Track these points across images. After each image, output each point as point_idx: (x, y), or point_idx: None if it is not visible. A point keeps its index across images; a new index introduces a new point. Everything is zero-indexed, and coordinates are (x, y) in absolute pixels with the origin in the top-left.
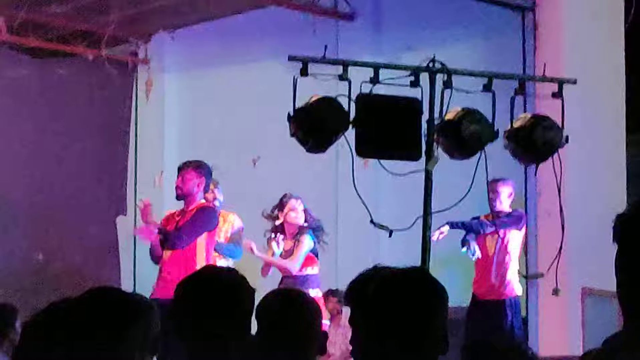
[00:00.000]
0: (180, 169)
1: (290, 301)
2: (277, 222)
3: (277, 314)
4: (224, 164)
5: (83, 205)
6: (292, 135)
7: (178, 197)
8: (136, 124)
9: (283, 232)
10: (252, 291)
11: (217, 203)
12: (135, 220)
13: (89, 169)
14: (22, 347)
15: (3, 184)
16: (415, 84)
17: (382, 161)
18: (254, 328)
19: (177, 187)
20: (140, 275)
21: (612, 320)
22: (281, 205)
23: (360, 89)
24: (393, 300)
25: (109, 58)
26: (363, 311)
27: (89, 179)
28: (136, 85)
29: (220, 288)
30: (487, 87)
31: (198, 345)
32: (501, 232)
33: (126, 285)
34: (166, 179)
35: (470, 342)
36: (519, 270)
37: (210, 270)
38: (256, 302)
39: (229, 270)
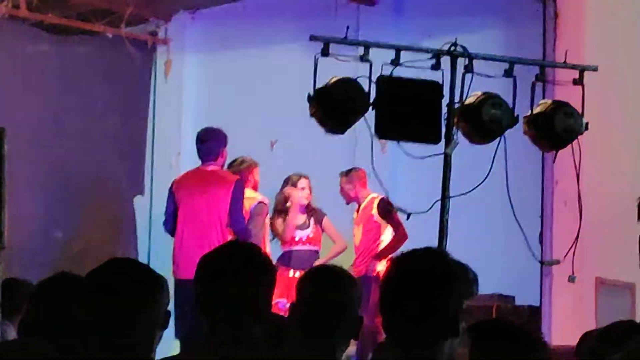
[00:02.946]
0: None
1: (337, 278)
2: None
3: (320, 290)
4: (242, 146)
5: (102, 185)
6: (312, 115)
7: None
8: (154, 104)
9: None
10: (274, 268)
11: None
12: (151, 201)
13: (108, 147)
14: (32, 312)
15: (22, 161)
16: (436, 67)
17: (401, 144)
18: None
19: None
20: (155, 255)
21: (625, 310)
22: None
23: (381, 71)
24: (405, 278)
25: (128, 37)
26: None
27: (107, 158)
28: (155, 65)
29: (241, 263)
30: (508, 73)
31: (219, 320)
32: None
33: None
34: (183, 160)
35: (476, 322)
36: (534, 256)
37: (232, 245)
38: None
39: (251, 246)
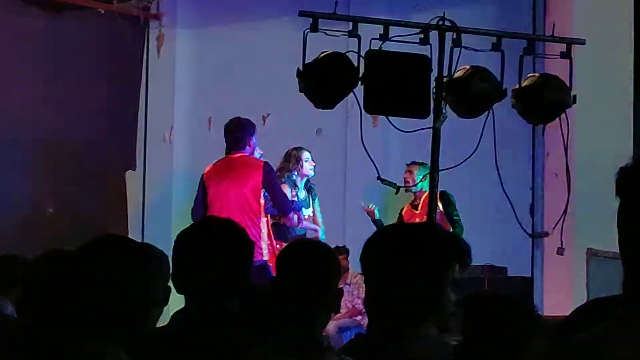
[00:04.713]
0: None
1: (314, 252)
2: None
3: (298, 264)
4: None
5: (93, 160)
6: (301, 90)
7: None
8: (147, 79)
9: None
10: (252, 243)
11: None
12: (144, 176)
13: (99, 123)
14: (28, 291)
15: (13, 137)
16: (424, 41)
17: (390, 118)
18: None
19: None
20: (149, 230)
21: (617, 281)
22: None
23: (370, 46)
24: (398, 253)
25: (120, 12)
26: (372, 264)
27: (99, 133)
28: (147, 41)
29: (216, 239)
30: (496, 46)
31: (195, 294)
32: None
33: None
34: (176, 135)
35: (470, 294)
36: (524, 229)
37: (210, 221)
38: None
39: (228, 221)
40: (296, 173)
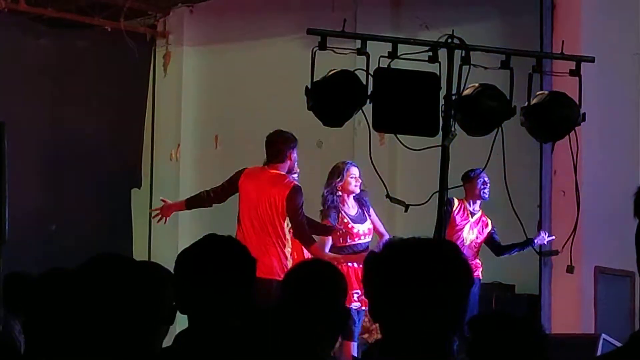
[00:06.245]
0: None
1: (318, 274)
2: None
3: (303, 284)
4: (241, 138)
5: (97, 177)
6: (310, 108)
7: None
8: (154, 97)
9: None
10: (253, 261)
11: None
12: (151, 194)
13: (105, 140)
14: (32, 313)
15: (18, 154)
16: (433, 59)
17: (399, 136)
18: None
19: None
20: (155, 249)
21: (625, 299)
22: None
23: (379, 64)
24: (400, 261)
25: (127, 31)
26: (374, 273)
27: (104, 150)
28: (154, 59)
29: (217, 257)
30: (505, 64)
31: (199, 316)
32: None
33: (139, 259)
34: (183, 153)
35: (478, 315)
36: (534, 248)
37: (211, 239)
38: None
39: (229, 239)
40: (337, 195)
